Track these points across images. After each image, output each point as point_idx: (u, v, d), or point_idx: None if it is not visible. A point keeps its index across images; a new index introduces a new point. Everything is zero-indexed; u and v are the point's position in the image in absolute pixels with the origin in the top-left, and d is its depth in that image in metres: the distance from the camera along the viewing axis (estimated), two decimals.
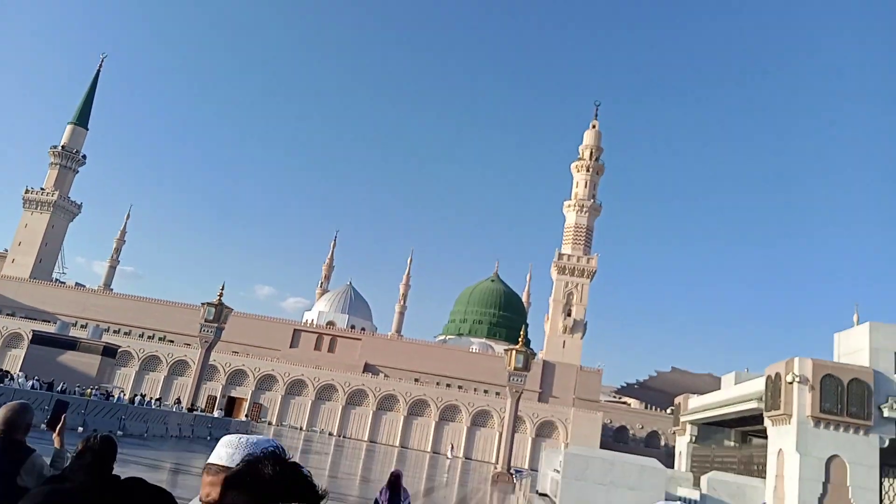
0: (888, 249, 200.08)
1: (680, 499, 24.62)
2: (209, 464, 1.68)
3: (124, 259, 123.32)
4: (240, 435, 1.77)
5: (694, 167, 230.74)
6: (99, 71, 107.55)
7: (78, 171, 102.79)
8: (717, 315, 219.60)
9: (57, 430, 4.83)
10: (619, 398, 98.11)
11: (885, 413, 20.83)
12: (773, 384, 22.80)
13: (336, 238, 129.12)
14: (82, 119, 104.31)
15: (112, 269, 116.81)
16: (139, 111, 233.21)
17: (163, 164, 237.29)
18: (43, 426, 5.31)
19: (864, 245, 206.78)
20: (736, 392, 27.51)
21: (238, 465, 1.55)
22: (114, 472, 4.04)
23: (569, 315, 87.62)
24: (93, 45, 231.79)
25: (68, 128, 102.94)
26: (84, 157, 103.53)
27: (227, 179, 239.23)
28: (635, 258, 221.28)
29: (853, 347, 23.33)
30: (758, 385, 25.14)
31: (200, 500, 1.61)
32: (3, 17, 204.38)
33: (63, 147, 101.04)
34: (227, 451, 1.78)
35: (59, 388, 31.81)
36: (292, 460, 1.62)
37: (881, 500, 20.24)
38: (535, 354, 53.14)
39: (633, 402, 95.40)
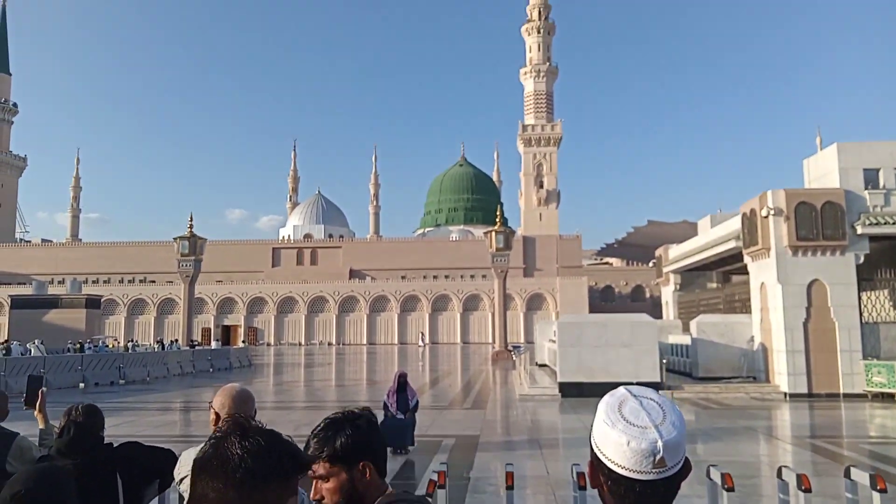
0: (842, 71, 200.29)
1: (667, 352, 25.66)
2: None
3: (86, 206, 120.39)
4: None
5: (647, 12, 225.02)
6: (4, 9, 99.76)
7: (13, 122, 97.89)
8: (685, 163, 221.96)
9: (37, 408, 4.60)
10: (601, 260, 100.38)
11: (859, 230, 21.38)
12: (749, 220, 23.17)
13: (295, 147, 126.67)
14: (1, 64, 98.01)
15: (76, 218, 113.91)
16: (62, 46, 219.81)
17: (102, 100, 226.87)
18: (23, 406, 5.07)
19: (819, 71, 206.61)
20: (714, 235, 28.05)
21: (202, 447, 1.29)
22: (108, 440, 3.87)
23: (541, 187, 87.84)
24: None
25: None
26: (14, 105, 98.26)
27: (174, 105, 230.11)
28: (599, 118, 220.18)
29: (823, 171, 23.55)
30: (734, 224, 25.59)
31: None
32: None
33: None
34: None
35: (39, 345, 31.63)
36: (264, 427, 1.31)
37: (861, 314, 21.14)
38: (514, 232, 53.59)
39: (615, 261, 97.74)
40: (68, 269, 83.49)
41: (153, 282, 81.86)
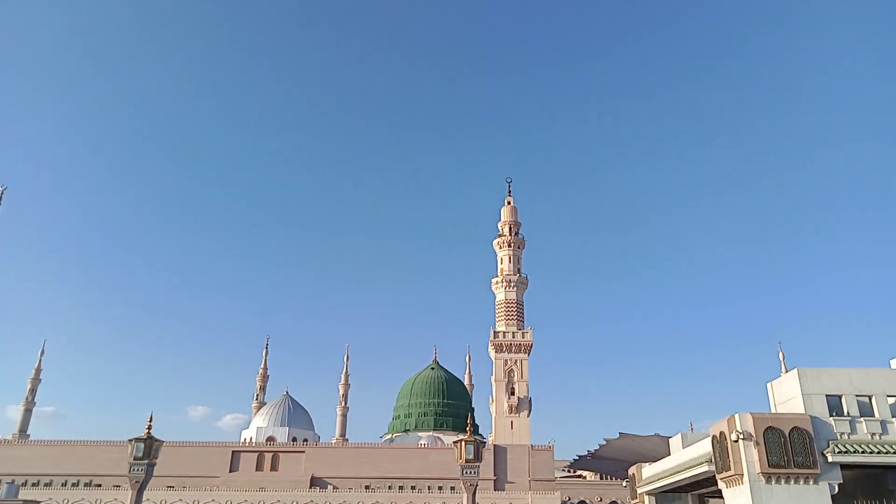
0: (798, 286, 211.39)
1: None
2: None
3: (42, 399, 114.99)
4: None
5: (611, 230, 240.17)
6: None
7: None
8: (655, 373, 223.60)
9: None
10: (574, 472, 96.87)
11: (829, 458, 21.31)
12: (720, 444, 23.03)
13: (267, 345, 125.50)
14: None
15: (28, 412, 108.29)
16: (40, 239, 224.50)
17: (74, 291, 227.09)
18: None
19: (777, 287, 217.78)
20: (686, 456, 27.66)
21: None
22: None
23: (512, 394, 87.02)
24: None
25: None
26: None
27: (145, 297, 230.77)
28: (569, 327, 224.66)
29: (787, 395, 23.97)
30: (705, 446, 25.36)
31: None
32: None
33: None
34: None
35: None
36: None
37: None
38: (485, 442, 52.01)
39: (588, 475, 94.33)
40: (10, 470, 77.75)
41: (99, 485, 76.20)
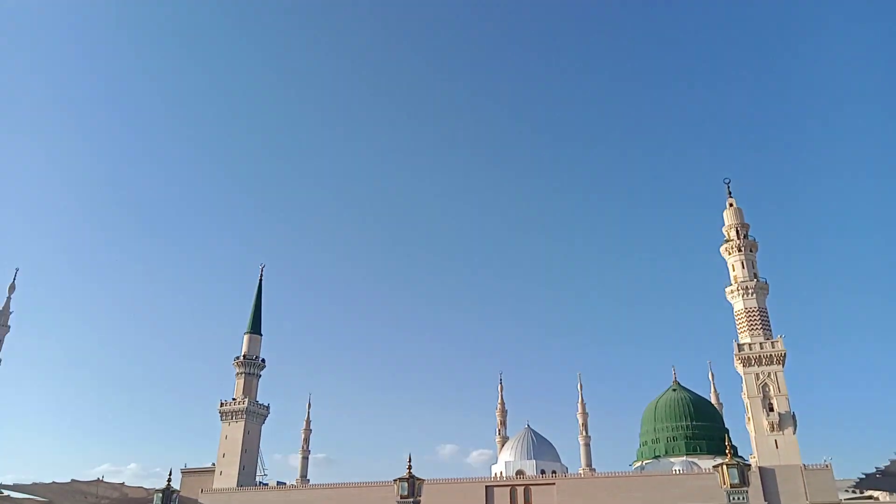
0: None
1: None
2: None
3: (315, 447, 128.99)
4: None
5: (859, 207, 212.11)
6: (261, 280, 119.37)
7: (260, 376, 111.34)
8: None
9: None
10: (862, 492, 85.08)
11: None
12: None
13: (501, 380, 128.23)
14: (255, 327, 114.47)
15: (305, 459, 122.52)
16: (299, 307, 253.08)
17: (333, 351, 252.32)
18: None
19: None
20: None
21: None
22: None
23: (771, 410, 79.25)
24: (252, 258, 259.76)
25: (245, 337, 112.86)
26: (263, 360, 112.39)
27: (391, 351, 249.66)
28: (824, 332, 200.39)
29: None
30: None
31: None
32: (174, 257, 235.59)
33: (244, 356, 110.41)
34: None
35: None
36: None
37: None
38: (748, 465, 48.02)
39: (882, 495, 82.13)
40: None
41: None
